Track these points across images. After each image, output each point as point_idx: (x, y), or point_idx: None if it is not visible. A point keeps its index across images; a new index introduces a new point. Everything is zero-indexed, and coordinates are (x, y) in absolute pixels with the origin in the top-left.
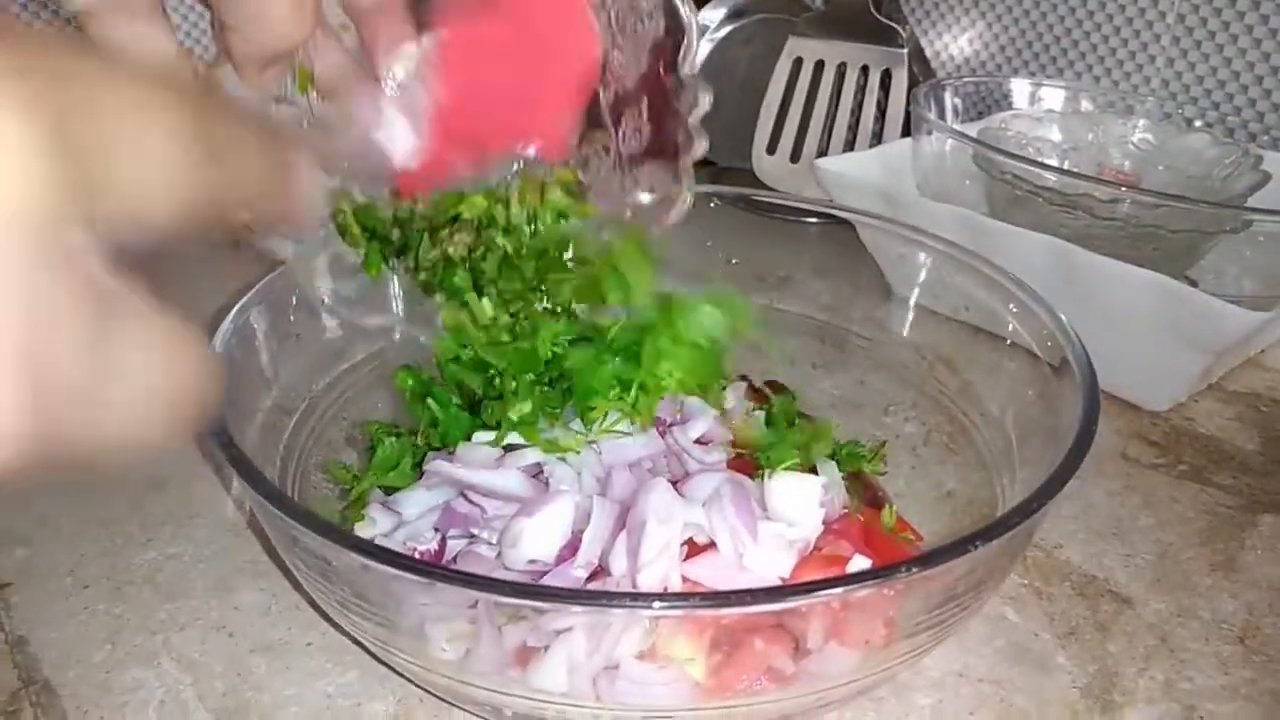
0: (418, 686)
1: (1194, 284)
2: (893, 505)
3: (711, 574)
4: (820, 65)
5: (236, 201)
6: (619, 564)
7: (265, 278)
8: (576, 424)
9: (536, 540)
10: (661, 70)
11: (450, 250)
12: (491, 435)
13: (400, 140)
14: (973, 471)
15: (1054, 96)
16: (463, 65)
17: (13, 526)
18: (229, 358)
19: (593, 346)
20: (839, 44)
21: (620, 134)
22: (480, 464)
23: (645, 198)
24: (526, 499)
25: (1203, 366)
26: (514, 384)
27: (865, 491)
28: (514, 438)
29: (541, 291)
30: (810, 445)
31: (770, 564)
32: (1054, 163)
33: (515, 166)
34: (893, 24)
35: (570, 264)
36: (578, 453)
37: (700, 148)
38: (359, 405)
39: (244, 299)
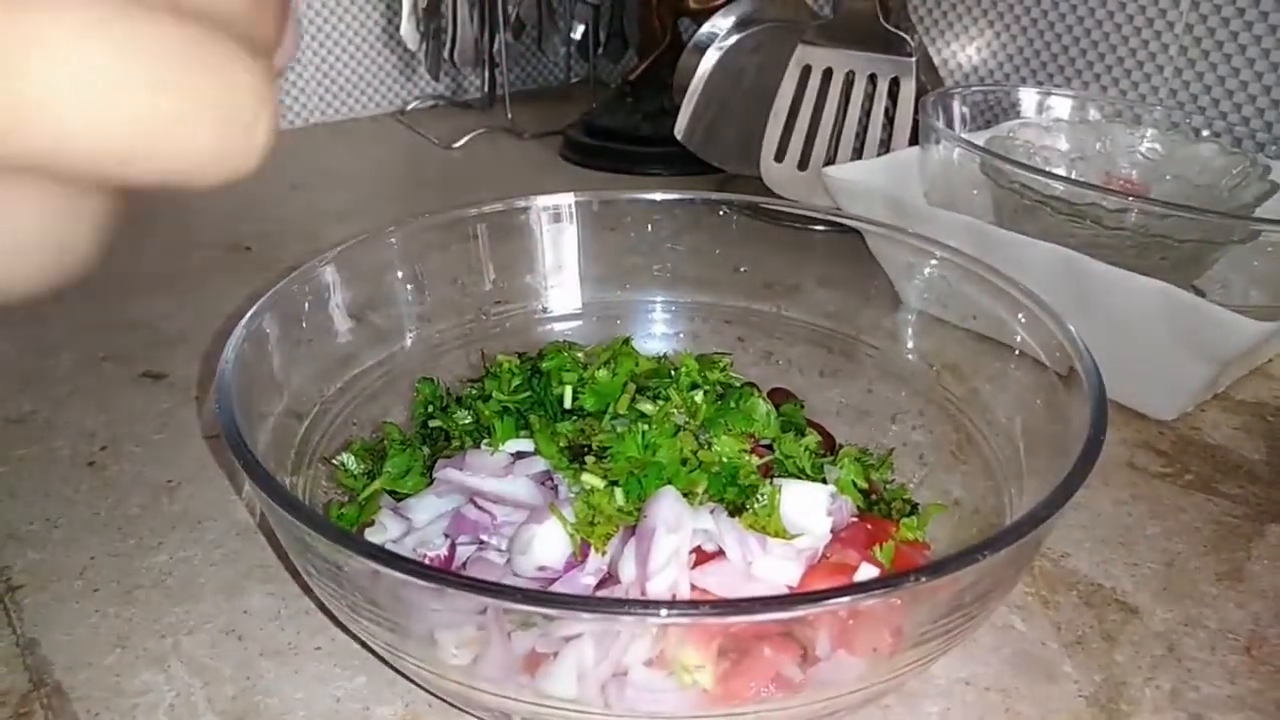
0: (426, 692)
1: (1202, 294)
2: (916, 516)
3: (720, 582)
4: (828, 73)
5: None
6: (628, 571)
7: (277, 284)
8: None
9: (546, 547)
10: None
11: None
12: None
13: None
14: (980, 480)
15: (1062, 106)
16: None
17: (24, 530)
18: (241, 362)
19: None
20: (847, 52)
21: None
22: (489, 471)
23: None
24: (536, 506)
25: (1210, 376)
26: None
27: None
28: (524, 445)
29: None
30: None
31: (778, 572)
32: (1062, 172)
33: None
34: (901, 33)
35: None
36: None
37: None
38: (369, 410)
39: (256, 305)
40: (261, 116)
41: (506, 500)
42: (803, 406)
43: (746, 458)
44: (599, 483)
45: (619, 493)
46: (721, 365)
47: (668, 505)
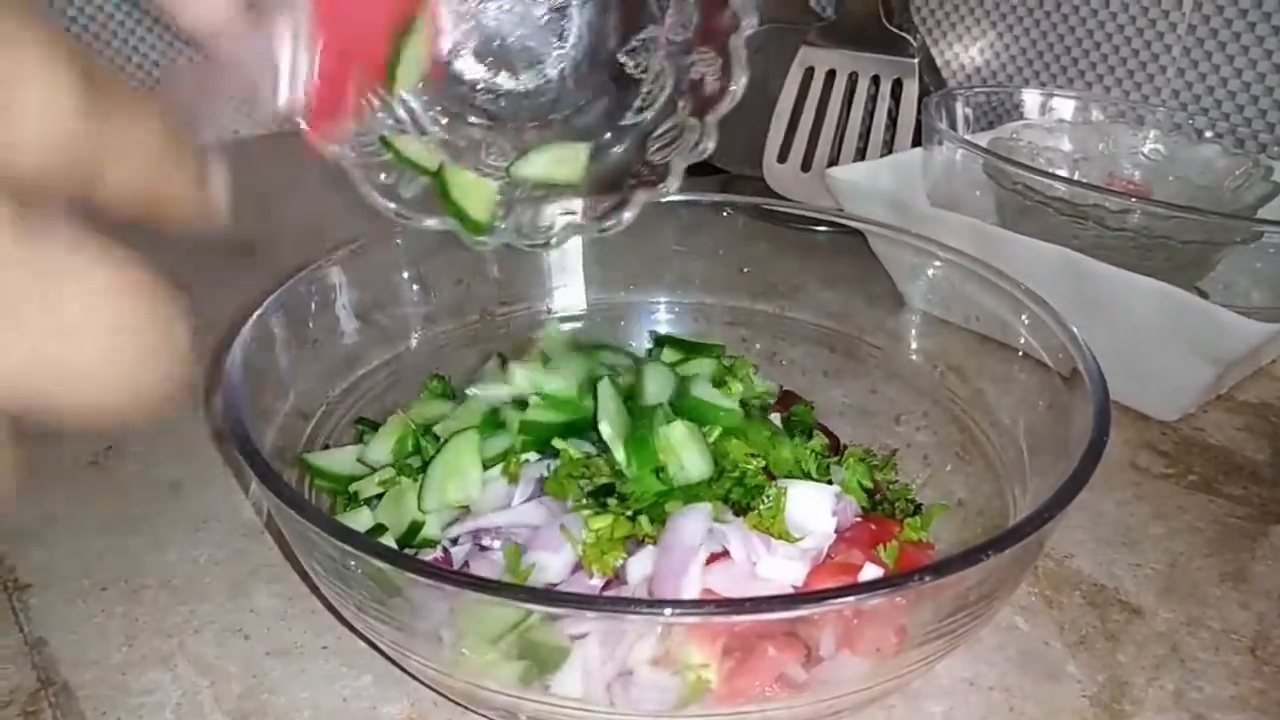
0: (432, 690)
1: (1204, 295)
2: (921, 516)
3: (725, 582)
4: (831, 75)
5: (131, 179)
6: (634, 571)
7: (283, 284)
8: None
9: (558, 570)
10: None
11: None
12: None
13: (292, 66)
14: (983, 481)
15: (1065, 107)
16: None
17: (32, 529)
18: (248, 362)
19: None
20: (850, 53)
21: (667, 23)
22: (494, 502)
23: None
24: (543, 526)
25: (1212, 377)
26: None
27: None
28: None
29: None
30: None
31: (783, 572)
32: (1064, 173)
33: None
34: (904, 34)
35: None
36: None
37: (748, 25)
38: (375, 410)
39: (263, 305)
40: (176, 348)
41: (515, 527)
42: (813, 408)
43: (753, 461)
44: (610, 527)
45: (644, 520)
46: (742, 374)
47: (696, 523)
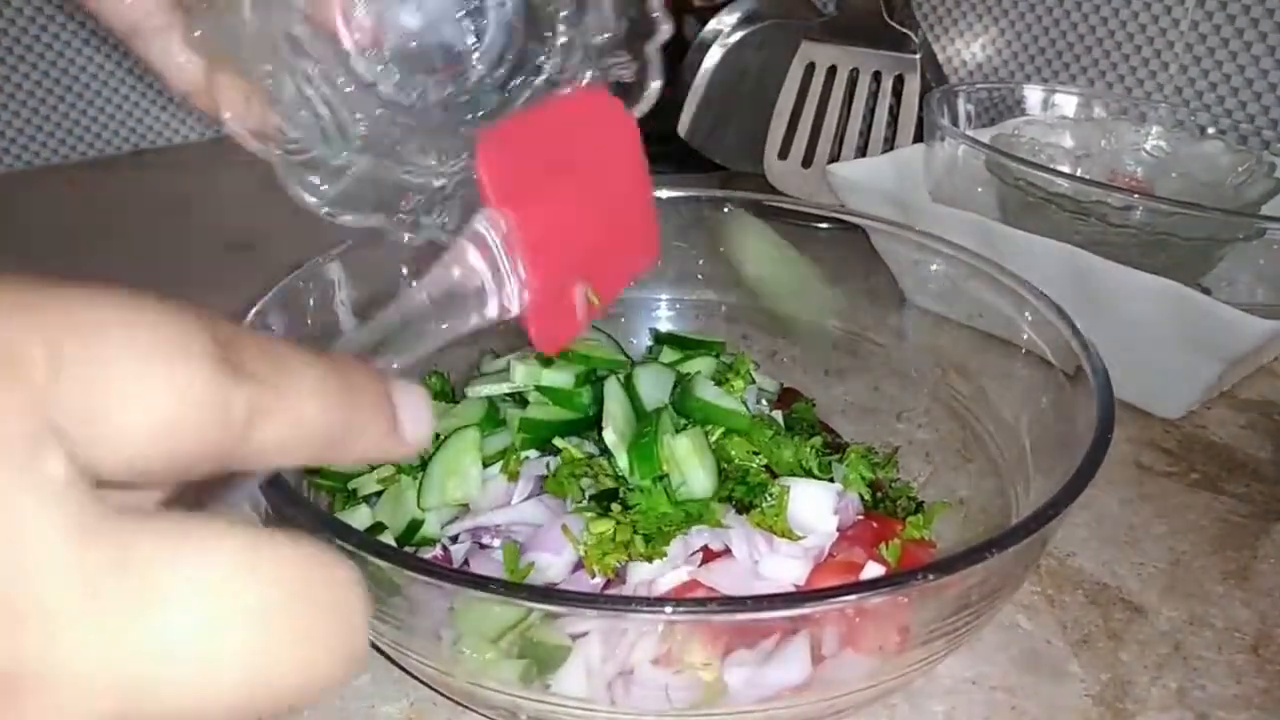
0: (431, 689)
1: (1207, 292)
2: (921, 515)
3: (727, 580)
4: (832, 70)
5: (290, 434)
6: (634, 573)
7: (282, 282)
8: None
9: (558, 570)
10: None
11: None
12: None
13: (499, 289)
14: (986, 479)
15: (1067, 103)
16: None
17: None
18: None
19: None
20: (851, 49)
21: (585, 25)
22: (493, 500)
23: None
24: (542, 526)
25: (1215, 374)
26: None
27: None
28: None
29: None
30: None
31: (785, 570)
32: (1067, 169)
33: None
34: (905, 30)
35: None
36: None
37: (664, 31)
38: None
39: (261, 302)
40: (361, 624)
41: (514, 525)
42: (814, 405)
43: (755, 458)
44: (611, 531)
45: (639, 540)
46: (743, 370)
47: None
